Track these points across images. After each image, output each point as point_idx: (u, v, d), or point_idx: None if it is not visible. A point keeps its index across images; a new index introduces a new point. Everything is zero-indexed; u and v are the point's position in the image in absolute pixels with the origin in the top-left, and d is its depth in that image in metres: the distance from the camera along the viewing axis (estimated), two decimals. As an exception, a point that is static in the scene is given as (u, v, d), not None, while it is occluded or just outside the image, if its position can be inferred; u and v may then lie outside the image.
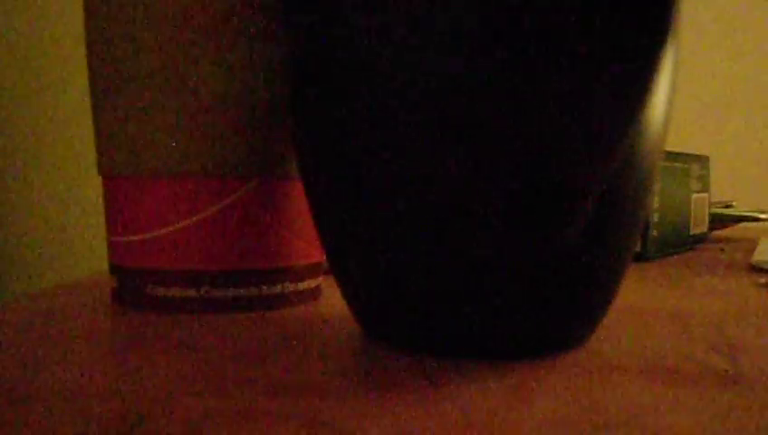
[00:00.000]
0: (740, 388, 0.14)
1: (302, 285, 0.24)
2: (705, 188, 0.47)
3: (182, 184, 0.21)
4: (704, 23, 1.17)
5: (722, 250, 0.47)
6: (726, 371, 0.16)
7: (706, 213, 0.48)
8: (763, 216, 0.52)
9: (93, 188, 0.47)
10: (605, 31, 0.13)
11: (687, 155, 0.43)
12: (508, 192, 0.14)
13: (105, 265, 0.48)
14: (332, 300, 0.25)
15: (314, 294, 0.24)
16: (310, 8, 0.16)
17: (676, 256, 0.42)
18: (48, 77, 0.42)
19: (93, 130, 0.23)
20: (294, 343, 0.18)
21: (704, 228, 0.48)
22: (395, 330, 0.17)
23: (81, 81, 0.45)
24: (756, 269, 0.36)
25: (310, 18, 0.16)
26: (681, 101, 1.17)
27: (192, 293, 0.22)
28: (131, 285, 0.22)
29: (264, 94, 0.22)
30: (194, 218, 0.21)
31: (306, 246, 0.23)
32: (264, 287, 0.22)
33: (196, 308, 0.22)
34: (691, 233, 0.45)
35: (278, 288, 0.23)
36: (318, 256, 0.24)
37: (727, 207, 0.59)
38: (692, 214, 0.45)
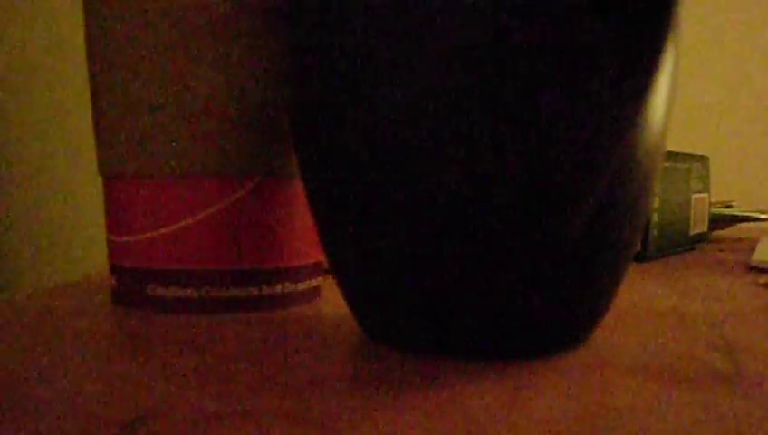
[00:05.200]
0: (740, 388, 0.14)
1: (302, 285, 0.24)
2: (705, 188, 0.47)
3: (182, 184, 0.21)
4: (704, 23, 1.17)
5: (722, 250, 0.47)
6: (727, 371, 0.16)
7: (706, 213, 0.48)
8: (763, 216, 0.52)
9: (93, 188, 0.47)
10: (605, 31, 0.13)
11: (687, 155, 0.43)
12: (508, 192, 0.14)
13: (105, 265, 0.48)
14: (332, 300, 0.25)
15: (314, 294, 0.24)
16: (311, 10, 0.16)
17: (676, 256, 0.42)
18: (48, 77, 0.42)
19: (93, 130, 0.23)
20: (294, 343, 0.18)
21: (704, 228, 0.48)
22: (395, 330, 0.17)
23: (82, 81, 0.46)
24: (756, 269, 0.36)
25: (311, 20, 0.16)
26: (681, 101, 1.17)
27: (192, 293, 0.22)
28: (131, 285, 0.22)
29: (264, 94, 0.22)
30: (194, 218, 0.21)
31: (306, 246, 0.23)
32: (264, 287, 0.22)
33: (196, 308, 0.22)
34: (691, 233, 0.45)
35: (278, 288, 0.23)
36: (318, 256, 0.24)
37: (727, 207, 0.59)
38: (692, 214, 0.45)
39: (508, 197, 0.14)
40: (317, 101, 0.16)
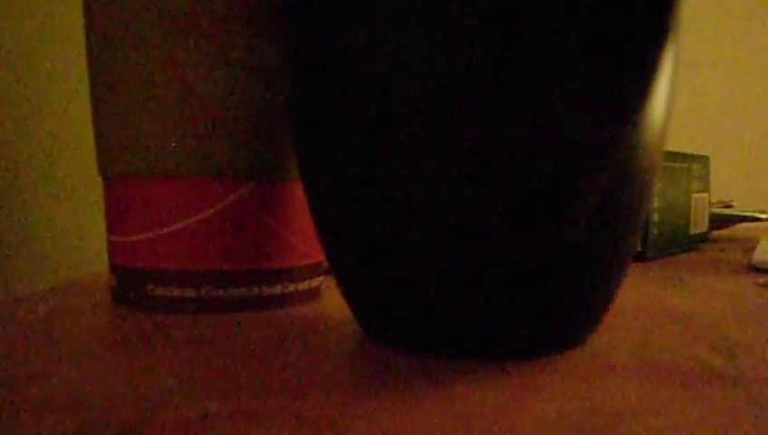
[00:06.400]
0: (740, 388, 0.14)
1: (302, 285, 0.24)
2: (706, 188, 0.47)
3: (182, 184, 0.21)
4: (704, 23, 1.17)
5: (722, 250, 0.47)
6: (727, 371, 0.16)
7: (706, 213, 0.48)
8: (763, 216, 0.52)
9: (93, 188, 0.47)
10: (605, 31, 0.13)
11: (687, 155, 0.43)
12: (508, 192, 0.14)
13: (105, 265, 0.48)
14: (332, 300, 0.25)
15: (314, 294, 0.24)
16: (311, 10, 0.16)
17: (676, 256, 0.42)
18: (48, 77, 0.42)
19: (93, 130, 0.23)
20: (294, 343, 0.18)
21: (704, 228, 0.48)
22: (395, 330, 0.17)
23: (81, 81, 0.46)
24: (756, 269, 0.36)
25: (310, 19, 0.16)
26: (681, 101, 1.17)
27: (192, 293, 0.22)
28: (131, 285, 0.22)
29: (264, 94, 0.22)
30: (194, 218, 0.21)
31: (306, 246, 0.23)
32: (264, 287, 0.22)
33: (196, 308, 0.22)
34: (691, 233, 0.45)
35: (278, 288, 0.23)
36: (318, 256, 0.24)
37: (727, 207, 0.59)
38: (692, 214, 0.45)
39: (508, 197, 0.14)
40: (317, 101, 0.16)
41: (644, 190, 0.16)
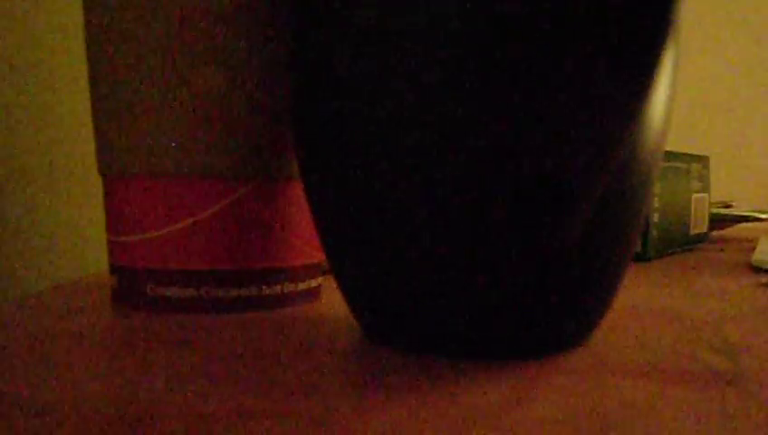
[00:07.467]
0: (740, 388, 0.14)
1: (302, 285, 0.24)
2: (705, 188, 0.47)
3: (182, 184, 0.21)
4: (704, 23, 1.17)
5: (722, 250, 0.47)
6: (727, 371, 0.16)
7: (706, 213, 0.48)
8: (763, 216, 0.52)
9: (93, 188, 0.47)
10: (605, 31, 0.13)
11: (687, 155, 0.43)
12: (508, 192, 0.14)
13: (105, 265, 0.48)
14: (332, 300, 0.25)
15: (314, 294, 0.24)
16: (314, 10, 0.16)
17: (676, 256, 0.42)
18: (48, 77, 0.42)
19: (93, 130, 0.23)
20: (294, 342, 0.18)
21: (704, 228, 0.48)
22: (395, 330, 0.17)
23: (82, 81, 0.46)
24: (756, 269, 0.36)
25: (311, 20, 0.16)
26: (681, 101, 1.17)
27: (192, 293, 0.22)
28: (131, 285, 0.22)
29: (264, 94, 0.22)
30: (194, 218, 0.21)
31: (306, 246, 0.23)
32: (264, 287, 0.22)
33: (196, 308, 0.22)
34: (691, 233, 0.45)
35: (278, 288, 0.23)
36: (318, 256, 0.24)
37: (727, 207, 0.59)
38: (692, 214, 0.45)
39: (508, 197, 0.14)
40: (317, 102, 0.16)
41: (644, 190, 0.16)
